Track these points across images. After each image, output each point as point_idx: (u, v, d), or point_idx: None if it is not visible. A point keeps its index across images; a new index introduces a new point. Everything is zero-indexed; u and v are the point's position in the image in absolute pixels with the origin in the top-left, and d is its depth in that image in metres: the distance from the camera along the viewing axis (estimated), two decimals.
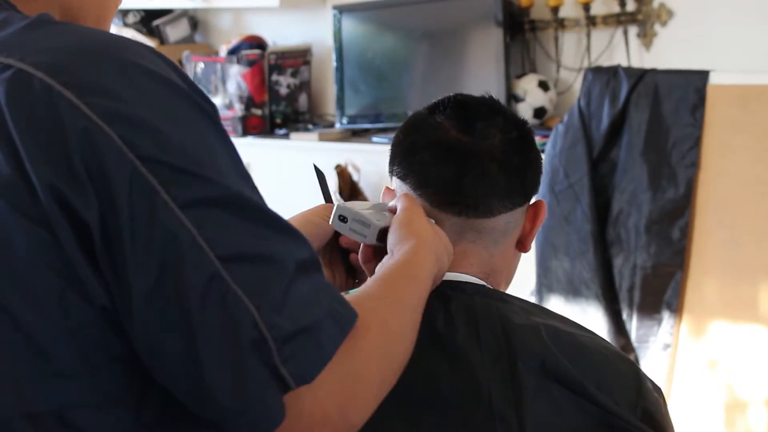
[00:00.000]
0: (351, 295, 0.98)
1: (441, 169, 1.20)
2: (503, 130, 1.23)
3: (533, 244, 3.18)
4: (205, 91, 1.03)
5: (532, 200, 1.28)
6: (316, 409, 0.86)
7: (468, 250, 1.23)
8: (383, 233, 1.17)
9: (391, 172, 1.27)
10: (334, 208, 1.21)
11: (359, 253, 1.22)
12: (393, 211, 1.19)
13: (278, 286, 0.85)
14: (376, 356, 0.92)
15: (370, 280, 1.05)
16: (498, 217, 1.22)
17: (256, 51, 4.07)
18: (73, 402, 0.87)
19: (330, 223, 1.21)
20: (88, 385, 0.87)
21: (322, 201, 1.34)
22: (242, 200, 0.87)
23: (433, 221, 1.20)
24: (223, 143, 0.90)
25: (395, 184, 1.26)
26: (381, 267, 1.08)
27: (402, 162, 1.24)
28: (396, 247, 1.11)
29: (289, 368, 0.84)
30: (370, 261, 1.20)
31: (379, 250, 1.18)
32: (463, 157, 1.20)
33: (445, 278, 1.20)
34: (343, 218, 1.20)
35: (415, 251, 1.09)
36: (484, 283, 1.24)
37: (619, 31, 3.42)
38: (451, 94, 1.27)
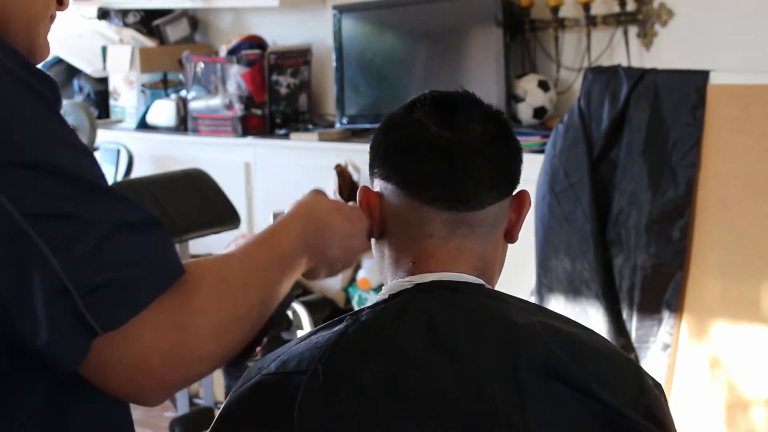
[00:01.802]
0: (201, 258, 1.07)
1: (427, 166, 1.21)
2: (482, 123, 1.23)
3: (533, 244, 3.18)
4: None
5: (516, 191, 1.29)
6: (138, 357, 0.96)
7: (462, 246, 1.23)
8: None
9: (372, 174, 1.27)
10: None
11: None
12: None
13: (87, 242, 0.94)
14: (207, 309, 1.00)
15: None
16: (488, 209, 1.22)
17: (256, 51, 4.07)
18: None
19: None
20: None
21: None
22: (53, 166, 0.95)
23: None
24: (48, 119, 0.98)
25: (378, 185, 1.26)
26: None
27: (384, 163, 1.24)
28: None
29: (95, 316, 0.93)
30: None
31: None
32: (447, 152, 1.21)
33: (443, 278, 1.21)
34: None
35: (285, 216, 1.18)
36: (483, 282, 1.24)
37: (619, 31, 3.42)
38: (426, 92, 1.27)
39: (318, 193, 1.25)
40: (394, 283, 1.23)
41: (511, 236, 1.28)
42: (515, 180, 1.27)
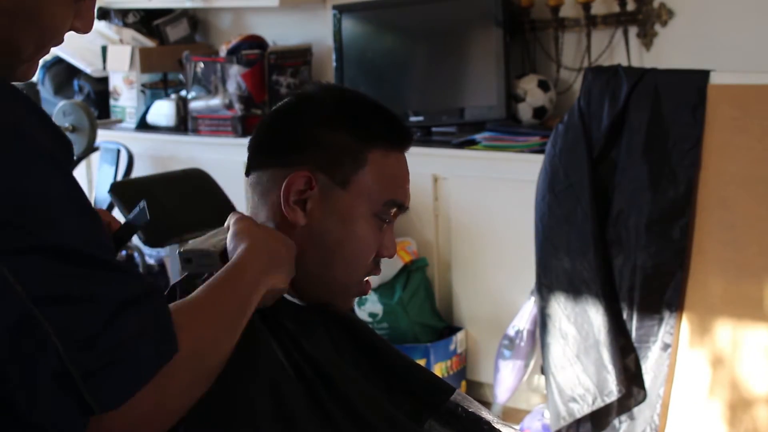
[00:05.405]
0: (176, 304, 1.07)
1: None
2: None
3: (533, 244, 3.16)
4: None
5: None
6: (124, 425, 0.99)
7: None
8: (225, 255, 1.26)
9: None
10: (178, 256, 1.30)
11: None
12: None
13: (91, 324, 0.96)
14: (182, 374, 1.04)
15: (202, 285, 1.15)
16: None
17: (256, 51, 4.06)
18: None
19: (180, 272, 1.31)
20: None
21: None
22: (63, 247, 0.95)
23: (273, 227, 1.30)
24: (59, 185, 0.98)
25: None
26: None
27: None
28: (232, 254, 1.23)
29: (94, 396, 0.96)
30: None
31: None
32: None
33: None
34: (188, 260, 1.29)
35: (245, 251, 1.21)
36: None
37: (619, 31, 3.42)
38: None
39: (242, 217, 1.30)
40: None
41: None
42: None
